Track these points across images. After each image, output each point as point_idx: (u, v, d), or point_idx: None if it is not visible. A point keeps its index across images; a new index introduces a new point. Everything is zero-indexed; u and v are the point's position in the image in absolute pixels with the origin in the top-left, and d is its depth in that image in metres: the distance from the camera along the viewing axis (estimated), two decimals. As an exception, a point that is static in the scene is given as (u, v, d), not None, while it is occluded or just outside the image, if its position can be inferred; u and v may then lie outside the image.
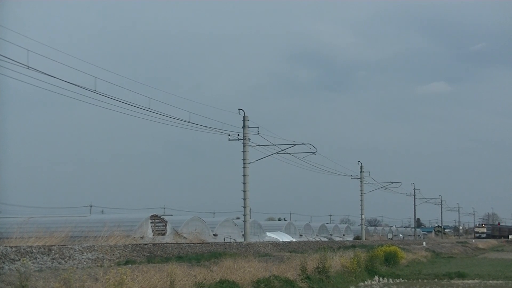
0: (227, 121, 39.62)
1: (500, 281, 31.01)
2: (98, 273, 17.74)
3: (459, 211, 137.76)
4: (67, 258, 19.52)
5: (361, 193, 67.77)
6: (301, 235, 67.83)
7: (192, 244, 29.79)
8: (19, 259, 17.08)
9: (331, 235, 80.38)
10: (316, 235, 73.84)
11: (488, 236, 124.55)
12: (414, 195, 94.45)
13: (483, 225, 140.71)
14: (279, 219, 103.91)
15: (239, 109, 39.71)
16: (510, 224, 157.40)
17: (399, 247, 47.06)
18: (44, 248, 19.19)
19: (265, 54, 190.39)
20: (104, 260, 21.04)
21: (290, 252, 35.63)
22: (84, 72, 27.23)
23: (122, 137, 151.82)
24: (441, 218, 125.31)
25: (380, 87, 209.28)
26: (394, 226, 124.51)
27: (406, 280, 31.95)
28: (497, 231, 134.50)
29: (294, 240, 52.37)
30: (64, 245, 20.81)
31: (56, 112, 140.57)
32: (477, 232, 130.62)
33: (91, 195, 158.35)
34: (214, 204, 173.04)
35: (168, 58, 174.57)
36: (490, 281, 30.95)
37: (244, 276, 22.76)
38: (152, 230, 37.92)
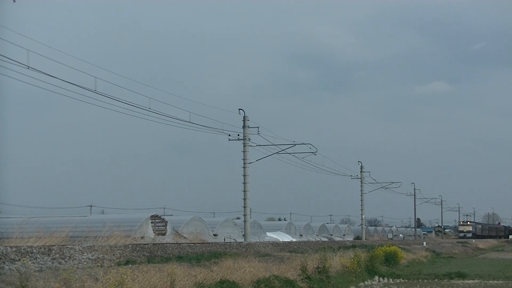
0: (227, 121, 39.66)
1: (501, 281, 31.00)
2: (98, 273, 17.74)
3: (459, 211, 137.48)
4: (67, 258, 19.52)
5: (361, 193, 67.79)
6: (301, 235, 67.84)
7: (192, 244, 29.79)
8: (19, 259, 17.08)
9: (331, 235, 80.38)
10: (316, 235, 73.86)
11: (474, 236, 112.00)
12: (414, 195, 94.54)
13: (468, 222, 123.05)
14: (279, 219, 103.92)
15: (239, 109, 39.76)
16: (507, 224, 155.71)
17: (399, 247, 47.06)
18: (44, 248, 19.19)
19: (265, 54, 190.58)
20: (104, 260, 21.03)
21: (290, 252, 35.62)
22: (84, 72, 27.24)
23: (122, 137, 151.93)
24: (441, 218, 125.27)
25: (379, 87, 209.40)
26: (394, 226, 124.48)
27: (406, 280, 31.94)
28: (479, 230, 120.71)
29: (294, 240, 52.36)
30: (64, 245, 20.81)
31: (56, 112, 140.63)
32: (461, 231, 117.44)
33: (91, 195, 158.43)
34: (214, 204, 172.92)
35: (168, 58, 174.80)
36: (491, 281, 30.94)
37: (244, 276, 22.77)
38: (153, 230, 37.92)
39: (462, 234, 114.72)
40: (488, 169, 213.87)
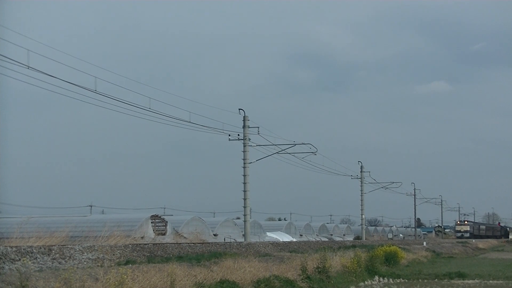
0: (227, 121, 39.68)
1: (501, 281, 30.98)
2: (98, 273, 17.74)
3: (459, 211, 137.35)
4: (68, 258, 19.52)
5: (361, 193, 67.77)
6: (301, 235, 67.86)
7: (193, 244, 29.78)
8: (20, 259, 17.09)
9: (332, 235, 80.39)
10: (317, 235, 73.87)
11: (472, 235, 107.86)
12: (414, 195, 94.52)
13: (466, 222, 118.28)
14: (279, 219, 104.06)
15: (239, 109, 39.75)
16: (508, 224, 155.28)
17: (399, 247, 47.04)
18: (45, 248, 19.18)
19: (265, 54, 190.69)
20: (105, 260, 21.03)
21: (291, 252, 35.62)
22: (84, 72, 27.26)
23: (122, 137, 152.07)
24: (441, 218, 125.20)
25: (380, 87, 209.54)
26: (394, 226, 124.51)
27: (406, 280, 31.93)
28: (477, 230, 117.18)
29: (294, 240, 52.36)
30: (65, 245, 20.80)
31: (56, 112, 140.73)
32: (459, 231, 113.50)
33: (91, 195, 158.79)
34: (214, 204, 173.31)
35: (168, 58, 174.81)
36: (491, 281, 30.92)
37: (245, 276, 22.76)
38: (153, 230, 37.92)
39: (459, 234, 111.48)
40: (488, 169, 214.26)
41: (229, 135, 39.40)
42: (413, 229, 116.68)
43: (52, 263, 18.67)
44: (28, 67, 23.13)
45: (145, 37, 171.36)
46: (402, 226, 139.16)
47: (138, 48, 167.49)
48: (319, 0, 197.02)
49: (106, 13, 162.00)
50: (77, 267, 18.46)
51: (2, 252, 17.16)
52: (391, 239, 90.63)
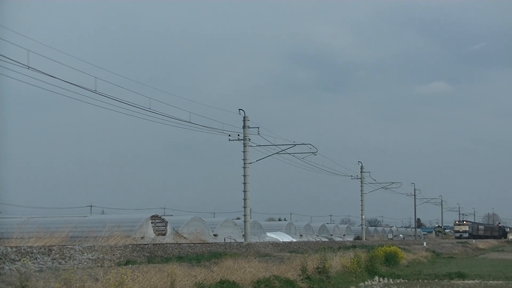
0: (227, 121, 39.66)
1: (501, 282, 30.98)
2: (98, 273, 17.74)
3: (459, 211, 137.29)
4: (68, 258, 19.51)
5: (362, 193, 67.76)
6: (301, 235, 67.86)
7: (193, 245, 29.78)
8: (20, 259, 17.08)
9: (332, 235, 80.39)
10: (317, 235, 73.87)
11: (470, 235, 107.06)
12: (415, 195, 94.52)
13: (465, 222, 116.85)
14: (280, 219, 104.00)
15: (239, 109, 39.75)
16: (507, 225, 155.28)
17: (399, 247, 47.04)
18: (45, 248, 19.18)
19: (265, 54, 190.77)
20: (105, 261, 21.03)
21: (291, 252, 35.61)
22: (84, 72, 27.26)
23: (122, 137, 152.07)
24: (442, 218, 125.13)
25: (379, 87, 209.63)
26: (394, 226, 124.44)
27: (406, 281, 31.93)
28: (475, 230, 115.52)
29: (294, 240, 52.36)
30: (65, 245, 20.80)
31: (56, 112, 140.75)
32: (457, 231, 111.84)
33: (91, 195, 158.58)
34: (214, 204, 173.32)
35: (168, 58, 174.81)
36: (491, 281, 30.92)
37: (245, 276, 22.77)
38: (153, 231, 37.92)
39: (458, 234, 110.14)
40: (488, 169, 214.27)
41: (229, 135, 39.42)
42: (413, 230, 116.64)
43: (52, 264, 18.67)
44: (28, 67, 23.13)
45: (145, 37, 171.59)
46: (402, 227, 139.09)
47: (138, 48, 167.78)
48: (319, 0, 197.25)
49: (106, 13, 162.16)
50: (77, 268, 18.45)
51: (2, 252, 17.16)
52: (391, 239, 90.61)
